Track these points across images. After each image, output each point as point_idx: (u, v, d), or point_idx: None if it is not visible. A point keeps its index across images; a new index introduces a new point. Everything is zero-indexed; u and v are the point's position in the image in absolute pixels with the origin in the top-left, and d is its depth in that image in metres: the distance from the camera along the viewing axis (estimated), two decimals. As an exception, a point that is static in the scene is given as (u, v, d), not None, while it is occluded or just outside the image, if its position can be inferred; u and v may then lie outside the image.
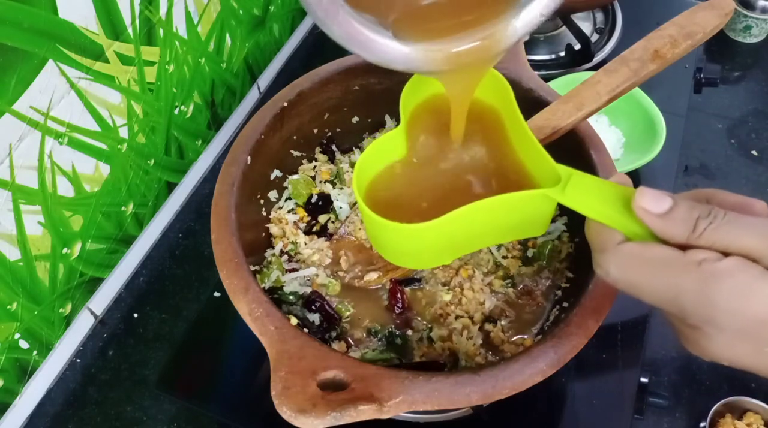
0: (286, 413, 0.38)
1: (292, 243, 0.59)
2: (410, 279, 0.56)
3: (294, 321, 0.46)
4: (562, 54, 0.89)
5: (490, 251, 0.58)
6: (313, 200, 0.61)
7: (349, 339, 0.54)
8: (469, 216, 0.39)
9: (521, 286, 0.56)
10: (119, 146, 0.64)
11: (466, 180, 0.45)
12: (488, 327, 0.54)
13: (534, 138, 0.41)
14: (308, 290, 0.56)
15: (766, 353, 0.31)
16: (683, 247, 0.32)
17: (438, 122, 0.46)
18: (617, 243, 0.34)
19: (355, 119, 0.65)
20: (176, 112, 0.72)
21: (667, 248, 0.32)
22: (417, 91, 0.46)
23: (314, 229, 0.60)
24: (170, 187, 0.75)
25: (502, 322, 0.54)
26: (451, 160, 0.46)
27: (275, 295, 0.55)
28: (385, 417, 0.39)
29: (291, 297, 0.55)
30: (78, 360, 0.66)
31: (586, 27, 0.90)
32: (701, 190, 0.35)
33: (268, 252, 0.58)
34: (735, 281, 0.30)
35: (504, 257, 0.58)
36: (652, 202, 0.32)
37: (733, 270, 0.30)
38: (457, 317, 0.54)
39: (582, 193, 0.36)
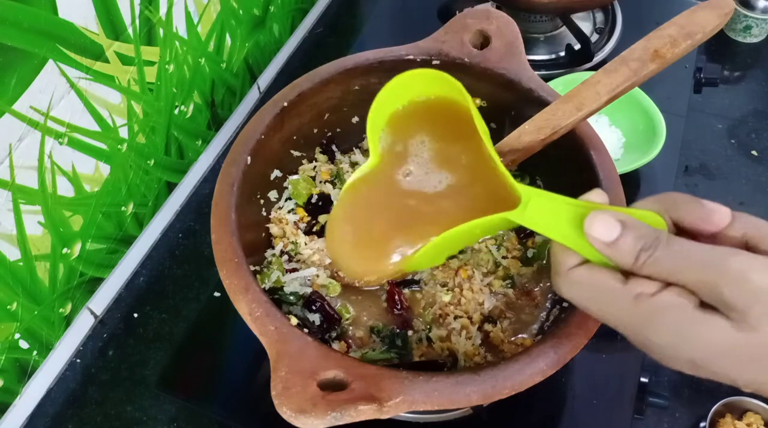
0: (286, 413, 0.38)
1: (293, 243, 0.58)
2: (409, 281, 0.56)
3: (294, 321, 0.46)
4: (562, 54, 0.89)
5: (490, 251, 0.58)
6: (313, 200, 0.61)
7: (349, 340, 0.54)
8: (440, 242, 0.42)
9: (521, 287, 0.56)
10: (119, 146, 0.64)
11: (440, 195, 0.47)
12: (488, 327, 0.54)
13: (495, 158, 0.41)
14: (308, 290, 0.56)
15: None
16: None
17: (411, 132, 0.48)
18: (568, 268, 0.34)
19: (355, 119, 0.65)
20: (176, 112, 0.72)
21: (611, 279, 0.33)
22: (384, 109, 0.48)
23: (314, 229, 0.60)
24: (170, 187, 0.75)
25: (504, 323, 0.54)
26: (424, 173, 0.48)
27: (275, 296, 0.55)
28: (385, 417, 0.39)
29: (291, 297, 0.55)
30: (78, 360, 0.66)
31: (586, 27, 0.90)
32: (668, 196, 0.34)
33: (269, 253, 0.58)
34: (665, 322, 0.31)
35: (504, 257, 0.58)
36: (599, 230, 0.33)
37: (664, 310, 0.31)
38: (456, 317, 0.54)
39: (541, 215, 0.37)
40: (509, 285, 0.56)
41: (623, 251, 0.32)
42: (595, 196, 0.36)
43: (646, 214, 0.34)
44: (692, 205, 0.33)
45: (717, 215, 0.32)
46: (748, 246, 0.32)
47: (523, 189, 0.38)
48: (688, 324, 0.30)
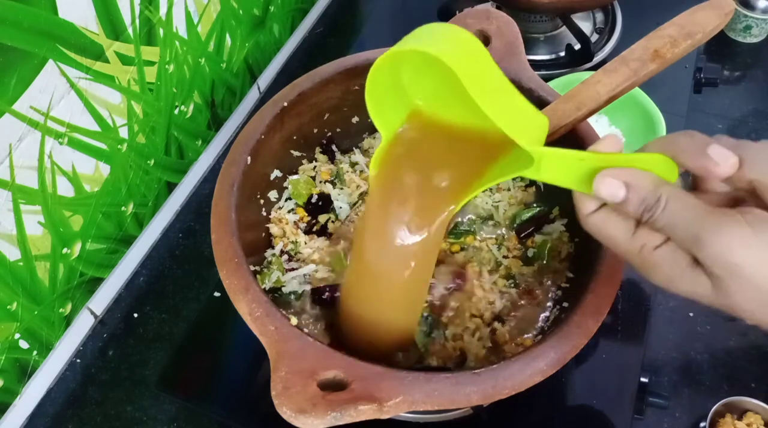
0: (286, 413, 0.38)
1: (293, 243, 0.59)
2: None
3: (294, 321, 0.46)
4: (562, 54, 0.89)
5: (491, 250, 0.58)
6: (313, 200, 0.61)
7: None
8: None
9: (523, 286, 0.56)
10: (119, 146, 0.64)
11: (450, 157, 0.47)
12: (496, 325, 0.53)
13: (505, 121, 0.39)
14: (308, 288, 0.56)
15: None
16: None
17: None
18: (587, 213, 0.37)
19: (355, 119, 0.65)
20: (176, 112, 0.72)
21: (622, 228, 0.36)
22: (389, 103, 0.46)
23: (314, 229, 0.60)
24: (170, 187, 0.75)
25: (511, 323, 0.54)
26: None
27: (275, 295, 0.55)
28: (385, 417, 0.39)
29: (291, 297, 0.55)
30: (78, 360, 0.66)
31: (586, 27, 0.90)
32: (675, 141, 0.35)
33: (269, 253, 0.58)
34: (662, 272, 0.35)
35: (505, 257, 0.58)
36: (606, 190, 0.35)
37: (662, 262, 0.35)
38: (471, 316, 0.54)
39: (555, 171, 0.38)
40: (512, 285, 0.56)
41: (629, 210, 0.35)
42: (608, 144, 0.37)
43: (657, 160, 0.35)
44: (697, 155, 0.34)
45: (720, 168, 0.33)
46: (755, 193, 0.34)
47: (533, 150, 0.38)
48: (679, 278, 0.34)
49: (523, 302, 0.55)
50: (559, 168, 0.38)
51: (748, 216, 0.32)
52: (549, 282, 0.56)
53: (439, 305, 0.55)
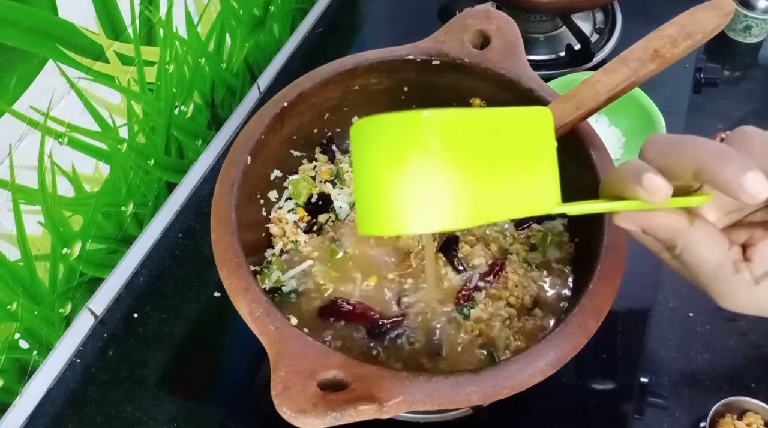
0: (286, 413, 0.38)
1: (292, 242, 0.59)
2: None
3: (294, 321, 0.46)
4: (562, 54, 0.89)
5: (497, 239, 0.58)
6: (313, 200, 0.61)
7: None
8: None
9: (546, 267, 0.56)
10: (119, 146, 0.64)
11: None
12: (536, 312, 0.53)
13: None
14: (307, 286, 0.56)
15: None
16: None
17: None
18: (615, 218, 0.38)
19: (354, 119, 0.65)
20: (176, 112, 0.72)
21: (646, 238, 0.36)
22: None
23: (314, 228, 0.60)
24: (170, 187, 0.75)
25: (544, 310, 0.53)
26: None
27: (275, 295, 0.55)
28: (385, 417, 0.39)
29: (291, 296, 0.55)
30: (78, 360, 0.66)
31: (586, 27, 0.90)
32: (705, 161, 0.31)
33: (268, 252, 0.58)
34: (684, 274, 0.36)
35: (510, 244, 0.58)
36: (627, 227, 0.35)
37: (681, 270, 0.36)
38: (508, 304, 0.54)
39: (581, 210, 0.35)
40: (533, 269, 0.56)
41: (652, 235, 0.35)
42: (653, 195, 0.32)
43: (690, 201, 0.33)
44: (730, 184, 0.30)
45: (756, 201, 0.30)
46: None
47: (559, 211, 0.34)
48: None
49: (549, 280, 0.55)
50: (584, 210, 0.35)
51: (755, 266, 0.32)
52: (559, 264, 0.56)
53: (471, 286, 0.55)
